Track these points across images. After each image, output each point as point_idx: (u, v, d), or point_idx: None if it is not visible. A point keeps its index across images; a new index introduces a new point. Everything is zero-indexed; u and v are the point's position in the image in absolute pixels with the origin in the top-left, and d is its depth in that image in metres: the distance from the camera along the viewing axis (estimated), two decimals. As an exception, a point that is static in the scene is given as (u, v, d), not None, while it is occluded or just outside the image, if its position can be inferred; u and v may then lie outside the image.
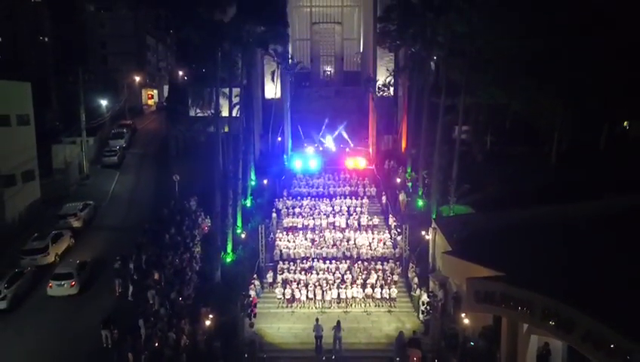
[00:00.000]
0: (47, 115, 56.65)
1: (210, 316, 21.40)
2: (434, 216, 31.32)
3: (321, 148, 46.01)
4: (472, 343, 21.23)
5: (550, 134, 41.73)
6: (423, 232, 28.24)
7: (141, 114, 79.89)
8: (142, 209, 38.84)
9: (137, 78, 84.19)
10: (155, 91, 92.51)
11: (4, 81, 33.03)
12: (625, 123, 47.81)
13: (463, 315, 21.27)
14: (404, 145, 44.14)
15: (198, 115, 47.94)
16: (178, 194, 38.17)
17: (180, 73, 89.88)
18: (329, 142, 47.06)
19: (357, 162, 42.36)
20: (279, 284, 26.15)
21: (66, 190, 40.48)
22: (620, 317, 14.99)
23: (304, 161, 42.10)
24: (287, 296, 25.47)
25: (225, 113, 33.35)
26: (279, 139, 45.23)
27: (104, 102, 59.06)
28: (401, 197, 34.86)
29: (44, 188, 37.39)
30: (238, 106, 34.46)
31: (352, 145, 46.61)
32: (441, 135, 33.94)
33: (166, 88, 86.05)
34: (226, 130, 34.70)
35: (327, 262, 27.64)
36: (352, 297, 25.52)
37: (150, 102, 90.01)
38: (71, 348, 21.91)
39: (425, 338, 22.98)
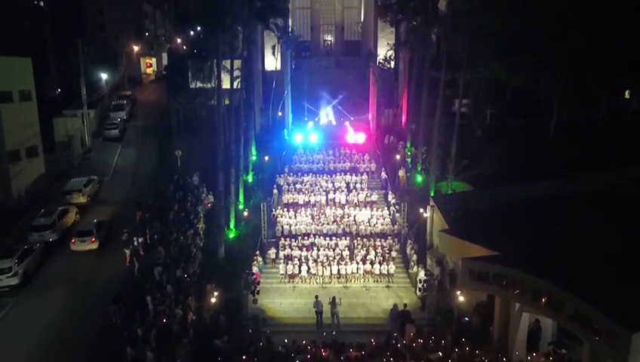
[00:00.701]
0: (45, 83, 56.36)
1: (216, 293, 22.23)
2: (432, 194, 31.99)
3: (321, 123, 46.21)
4: (466, 319, 22.14)
5: (549, 107, 41.99)
6: (422, 210, 28.87)
7: (140, 84, 79.63)
8: (145, 183, 39.54)
9: (135, 48, 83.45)
10: (154, 60, 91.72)
11: (5, 57, 33.14)
12: (626, 93, 47.78)
13: (458, 292, 22.08)
14: (404, 119, 44.34)
15: (199, 87, 48.12)
16: (180, 168, 38.63)
17: (179, 40, 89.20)
18: (329, 116, 47.20)
19: (357, 137, 42.69)
20: (281, 260, 26.99)
21: (69, 165, 41.00)
22: (607, 298, 15.76)
23: (304, 135, 42.40)
24: (289, 272, 26.32)
25: (225, 85, 33.45)
26: (280, 114, 45.38)
27: (104, 76, 58.70)
28: (401, 173, 35.38)
29: (48, 163, 37.88)
30: (239, 79, 34.57)
31: (351, 118, 46.75)
32: (441, 109, 34.19)
33: (165, 56, 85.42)
34: (227, 102, 34.91)
35: (328, 238, 28.37)
36: (352, 273, 26.34)
37: (149, 70, 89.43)
38: (81, 323, 22.82)
39: (421, 313, 23.93)
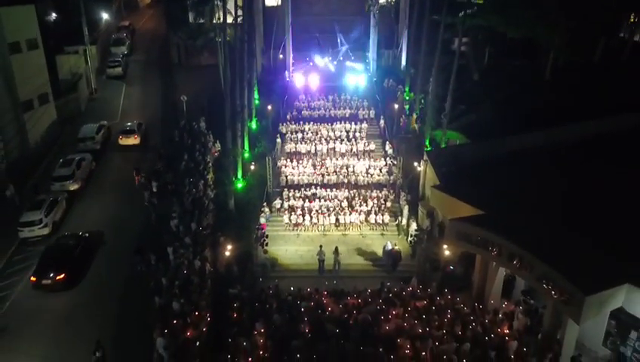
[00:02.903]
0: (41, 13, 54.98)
1: (229, 246, 24.84)
2: (427, 142, 33.80)
3: (322, 63, 46.74)
4: (451, 267, 25.01)
5: (547, 51, 42.56)
6: (416, 163, 30.90)
7: (136, 8, 77.83)
8: (152, 127, 40.99)
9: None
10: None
11: (10, 7, 33.01)
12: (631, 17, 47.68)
13: (445, 246, 24.72)
14: (403, 61, 45.02)
15: (199, 21, 48.17)
16: (186, 111, 39.65)
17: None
18: (330, 55, 47.59)
19: (358, 79, 43.68)
20: (286, 210, 29.47)
21: (78, 108, 42.30)
22: (571, 263, 18.34)
23: (305, 77, 43.28)
24: (293, 221, 28.93)
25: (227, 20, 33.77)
26: (281, 56, 45.84)
27: (105, 15, 57.68)
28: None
29: (58, 108, 39.01)
30: (240, 17, 34.75)
31: (352, 57, 47.22)
32: (441, 50, 34.56)
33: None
34: (229, 39, 35.58)
35: (328, 189, 30.67)
36: (350, 222, 28.95)
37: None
38: (112, 268, 25.59)
39: (412, 260, 26.88)
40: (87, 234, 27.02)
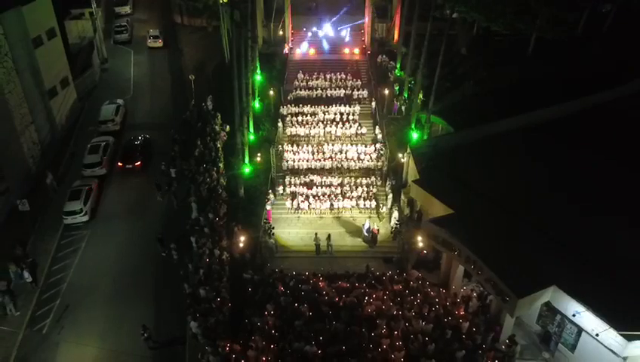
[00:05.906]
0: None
1: (242, 237, 29.92)
2: (412, 126, 37.81)
3: (320, 34, 49.13)
4: (424, 251, 30.36)
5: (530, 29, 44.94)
6: (400, 155, 35.25)
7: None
8: (164, 101, 44.62)
9: None
10: None
11: (30, 4, 35.05)
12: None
13: (419, 238, 29.85)
14: (396, 36, 47.53)
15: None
16: (194, 90, 42.89)
17: None
18: (326, 28, 49.87)
19: (353, 51, 46.69)
20: (288, 196, 34.30)
21: (93, 82, 45.51)
22: (512, 270, 23.54)
23: (303, 50, 46.15)
24: (295, 206, 33.90)
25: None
26: (280, 32, 48.12)
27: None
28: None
29: (77, 87, 42.32)
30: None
31: (348, 28, 49.54)
32: (433, 17, 36.73)
33: None
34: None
35: (324, 177, 35.22)
36: (343, 207, 33.94)
37: None
38: (143, 248, 30.91)
39: (393, 242, 32.22)
40: (147, 136, 39.03)
